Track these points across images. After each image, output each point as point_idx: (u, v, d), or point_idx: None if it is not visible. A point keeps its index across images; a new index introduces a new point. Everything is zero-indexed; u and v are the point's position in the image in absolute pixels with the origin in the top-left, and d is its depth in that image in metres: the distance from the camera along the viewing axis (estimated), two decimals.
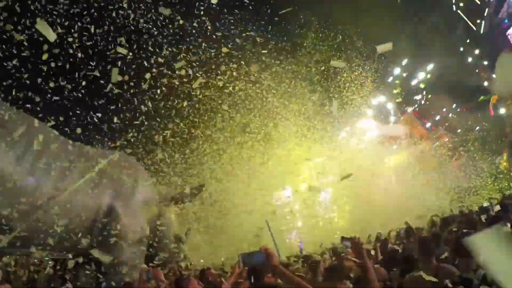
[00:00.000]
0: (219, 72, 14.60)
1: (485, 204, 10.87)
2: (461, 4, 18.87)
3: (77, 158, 7.29)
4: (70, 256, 7.34)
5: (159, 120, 15.40)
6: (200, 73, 13.74)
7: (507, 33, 16.88)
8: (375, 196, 26.40)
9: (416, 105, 25.03)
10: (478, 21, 18.20)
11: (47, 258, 8.49)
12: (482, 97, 20.65)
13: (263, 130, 19.99)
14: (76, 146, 7.69)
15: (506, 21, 16.76)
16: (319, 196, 28.73)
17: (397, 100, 26.14)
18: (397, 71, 25.05)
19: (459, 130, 22.10)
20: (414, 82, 24.53)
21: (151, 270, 3.78)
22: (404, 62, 24.26)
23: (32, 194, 6.08)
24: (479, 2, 17.39)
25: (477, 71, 19.93)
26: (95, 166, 7.61)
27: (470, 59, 19.74)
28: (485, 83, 20.07)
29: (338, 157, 28.40)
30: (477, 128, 21.20)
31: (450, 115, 22.33)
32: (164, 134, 14.99)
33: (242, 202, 19.30)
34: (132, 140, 12.59)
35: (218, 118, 17.68)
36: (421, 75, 23.91)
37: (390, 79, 25.82)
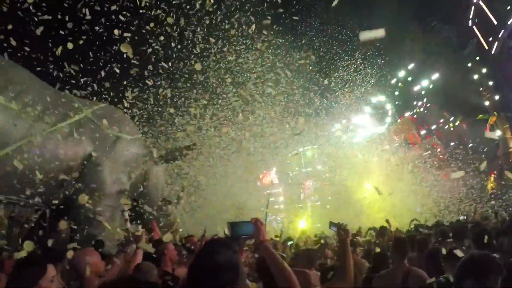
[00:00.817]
0: None
1: (461, 217, 11.25)
2: (477, 20, 18.59)
3: (58, 104, 7.11)
4: (47, 205, 7.20)
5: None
6: None
7: None
8: (358, 194, 27.00)
9: (414, 111, 25.11)
10: (491, 39, 18.00)
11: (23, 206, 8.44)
12: (481, 116, 20.82)
13: None
14: (59, 93, 7.53)
15: None
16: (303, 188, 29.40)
17: (396, 103, 26.22)
18: (402, 73, 24.94)
19: (452, 143, 22.38)
20: (416, 88, 24.49)
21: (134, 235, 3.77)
22: (411, 66, 24.13)
23: (5, 132, 6.01)
24: (495, 23, 17.14)
25: (480, 89, 19.95)
26: (78, 113, 7.49)
27: (476, 77, 19.70)
28: (486, 102, 20.18)
29: (327, 151, 28.82)
30: (470, 145, 21.50)
31: (446, 126, 22.50)
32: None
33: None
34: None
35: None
36: (425, 83, 23.86)
37: (394, 80, 25.76)
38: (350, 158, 27.63)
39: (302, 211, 32.28)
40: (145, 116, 15.44)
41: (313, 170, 30.88)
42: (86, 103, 8.43)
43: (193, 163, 18.83)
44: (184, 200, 16.59)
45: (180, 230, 15.43)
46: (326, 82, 24.16)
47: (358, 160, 27.21)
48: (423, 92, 24.07)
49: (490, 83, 19.70)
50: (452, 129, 22.73)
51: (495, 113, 19.91)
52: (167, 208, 11.93)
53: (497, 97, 19.48)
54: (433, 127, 23.89)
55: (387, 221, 8.39)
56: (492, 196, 19.38)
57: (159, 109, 16.96)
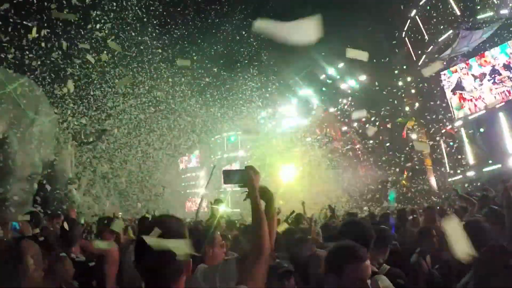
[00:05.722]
0: None
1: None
2: (410, 33, 20.31)
3: None
4: None
5: None
6: None
7: (442, 73, 18.89)
8: (279, 181, 27.84)
9: (339, 107, 26.61)
10: (420, 52, 19.88)
11: None
12: (400, 119, 23.04)
13: None
14: None
15: (445, 63, 18.72)
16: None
17: (322, 98, 27.45)
18: (331, 71, 26.11)
19: (371, 142, 24.41)
20: (343, 86, 25.92)
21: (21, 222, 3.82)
22: (341, 65, 25.36)
23: None
24: (427, 38, 18.94)
25: (403, 95, 21.97)
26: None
27: (400, 83, 21.61)
28: (407, 108, 22.35)
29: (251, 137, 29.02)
30: (387, 144, 23.75)
31: (367, 125, 24.34)
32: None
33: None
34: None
35: None
36: (352, 82, 25.39)
37: (323, 76, 26.85)
38: (274, 146, 28.20)
39: (223, 196, 32.05)
40: (61, 95, 14.14)
41: (236, 155, 30.78)
42: (11, 75, 8.06)
43: (112, 146, 17.59)
44: (96, 183, 15.47)
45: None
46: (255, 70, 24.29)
47: (281, 148, 27.92)
48: (349, 91, 25.56)
49: (413, 91, 21.87)
50: (372, 128, 24.71)
51: (413, 118, 22.27)
52: (71, 190, 11.37)
53: (417, 104, 21.74)
54: (355, 124, 25.66)
55: (303, 203, 8.43)
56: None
57: (78, 90, 15.68)
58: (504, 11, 14.80)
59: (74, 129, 13.01)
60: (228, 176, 2.01)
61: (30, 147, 8.13)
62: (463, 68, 18.33)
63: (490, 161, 17.17)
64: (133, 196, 19.73)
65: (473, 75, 17.95)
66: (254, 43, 24.40)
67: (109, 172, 17.42)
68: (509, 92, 16.73)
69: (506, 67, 16.45)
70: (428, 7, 18.73)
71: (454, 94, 18.80)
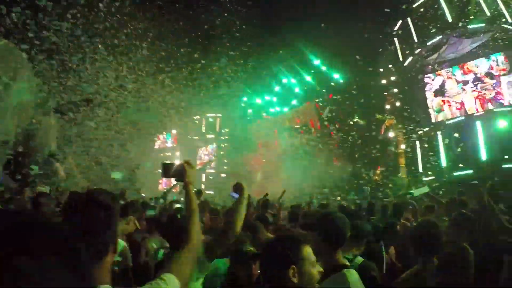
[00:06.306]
0: None
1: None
2: (400, 32, 20.59)
3: None
4: None
5: None
6: None
7: (426, 75, 19.39)
8: (254, 166, 27.99)
9: (320, 99, 26.81)
10: (408, 53, 20.26)
11: None
12: (379, 116, 23.54)
13: None
14: None
15: (430, 67, 19.20)
16: None
17: (305, 88, 27.53)
18: (317, 62, 26.12)
19: (350, 136, 24.83)
20: (327, 79, 26.08)
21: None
22: (327, 57, 25.41)
23: None
24: (416, 40, 19.30)
25: (385, 93, 22.42)
26: None
27: (384, 81, 22.01)
28: (387, 106, 22.85)
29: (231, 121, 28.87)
30: (359, 141, 24.29)
31: (348, 121, 24.76)
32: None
33: None
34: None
35: None
36: (336, 75, 25.55)
37: (308, 67, 26.83)
38: (253, 131, 28.19)
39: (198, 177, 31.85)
40: (45, 60, 13.60)
41: (213, 137, 30.54)
42: None
43: (89, 119, 17.16)
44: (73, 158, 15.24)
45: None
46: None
47: (260, 134, 27.96)
48: (332, 84, 25.76)
49: (395, 90, 22.34)
50: (351, 122, 25.16)
51: (392, 116, 22.81)
52: (52, 163, 11.22)
53: (398, 104, 22.26)
54: (332, 114, 26.04)
55: (283, 192, 8.59)
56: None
57: (60, 56, 15.28)
58: (495, 25, 15.29)
59: (57, 99, 12.50)
60: (167, 170, 2.08)
61: (4, 113, 7.83)
62: (449, 72, 18.88)
63: (461, 165, 17.96)
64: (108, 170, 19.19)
65: (456, 80, 18.54)
66: (238, 27, 24.17)
67: (85, 145, 16.89)
68: (490, 101, 17.43)
69: (489, 74, 17.09)
70: (422, 10, 19.00)
71: (435, 96, 19.36)
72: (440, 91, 19.29)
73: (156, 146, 30.99)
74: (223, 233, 2.62)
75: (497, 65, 16.94)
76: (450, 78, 18.74)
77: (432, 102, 19.77)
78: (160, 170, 2.16)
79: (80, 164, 16.27)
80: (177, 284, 1.39)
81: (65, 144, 12.95)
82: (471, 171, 16.92)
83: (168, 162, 2.17)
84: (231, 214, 2.67)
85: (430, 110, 19.98)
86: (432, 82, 19.69)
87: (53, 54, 14.31)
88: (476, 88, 17.62)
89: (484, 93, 17.27)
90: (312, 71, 26.70)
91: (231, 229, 2.53)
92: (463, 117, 18.36)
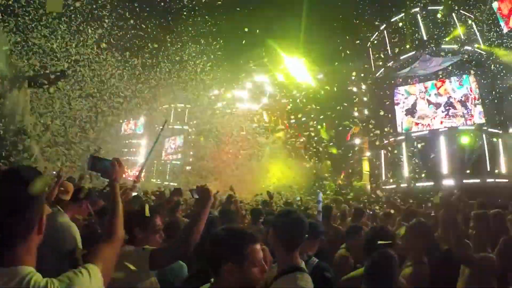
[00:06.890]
0: None
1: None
2: (375, 42, 21.30)
3: None
4: None
5: None
6: None
7: (396, 89, 20.23)
8: (220, 161, 27.76)
9: (291, 100, 27.08)
10: (381, 63, 21.00)
11: None
12: (346, 122, 24.26)
13: None
14: None
15: (400, 79, 20.05)
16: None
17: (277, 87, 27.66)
18: (290, 61, 26.31)
19: (316, 138, 25.35)
20: (299, 80, 26.38)
21: None
22: (301, 59, 25.70)
23: None
24: (390, 53, 20.06)
25: (355, 101, 23.13)
26: None
27: (355, 89, 22.69)
28: (356, 113, 23.60)
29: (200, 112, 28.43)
30: (331, 143, 24.89)
31: (315, 122, 25.24)
32: None
33: None
34: None
35: None
36: (308, 78, 25.94)
37: (281, 66, 26.96)
38: (221, 125, 27.91)
39: (161, 168, 30.93)
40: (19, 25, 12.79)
41: (181, 128, 29.83)
42: None
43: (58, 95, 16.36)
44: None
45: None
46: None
47: (228, 129, 27.74)
48: (304, 86, 26.11)
49: (365, 99, 23.10)
50: (319, 126, 25.67)
51: (359, 123, 23.60)
52: (24, 140, 10.77)
53: (366, 112, 23.05)
54: (303, 119, 26.41)
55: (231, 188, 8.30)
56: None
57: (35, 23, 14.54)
58: (467, 47, 16.26)
59: (30, 69, 11.66)
60: (95, 163, 2.01)
61: None
62: (422, 92, 19.77)
63: (423, 176, 18.98)
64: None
65: (428, 100, 19.48)
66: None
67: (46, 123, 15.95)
68: (455, 116, 18.51)
69: (463, 103, 18.10)
70: (399, 24, 19.76)
71: (406, 115, 20.21)
72: (411, 111, 20.16)
73: (122, 132, 29.73)
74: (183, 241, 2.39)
75: (470, 93, 17.95)
76: (423, 98, 19.66)
77: (402, 120, 20.63)
78: (87, 163, 2.04)
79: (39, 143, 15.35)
80: (99, 276, 1.43)
81: (38, 118, 12.14)
82: (431, 183, 17.93)
83: (97, 155, 2.12)
84: (192, 223, 2.43)
85: (397, 123, 20.86)
86: (405, 100, 20.55)
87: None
88: (448, 114, 18.58)
89: (453, 121, 18.24)
90: (286, 71, 26.89)
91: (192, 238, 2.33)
92: (427, 131, 19.40)
